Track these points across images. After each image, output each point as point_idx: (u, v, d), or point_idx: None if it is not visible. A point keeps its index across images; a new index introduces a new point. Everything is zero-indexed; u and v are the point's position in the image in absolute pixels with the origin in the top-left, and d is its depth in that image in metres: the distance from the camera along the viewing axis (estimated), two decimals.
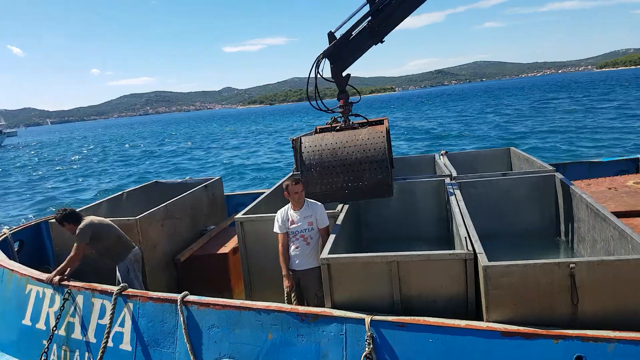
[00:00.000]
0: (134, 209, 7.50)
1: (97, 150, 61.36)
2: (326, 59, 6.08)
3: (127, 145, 64.19)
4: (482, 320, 3.63)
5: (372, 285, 4.00)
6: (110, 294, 4.85)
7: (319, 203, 4.96)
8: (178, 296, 4.53)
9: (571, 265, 3.42)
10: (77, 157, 52.85)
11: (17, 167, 47.09)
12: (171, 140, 66.17)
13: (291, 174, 6.28)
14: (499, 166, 8.33)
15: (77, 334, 5.03)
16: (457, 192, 5.63)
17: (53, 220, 6.36)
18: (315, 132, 6.61)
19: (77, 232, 5.47)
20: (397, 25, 6.09)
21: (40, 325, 5.30)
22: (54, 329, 5.02)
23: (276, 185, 6.94)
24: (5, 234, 7.19)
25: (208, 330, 4.35)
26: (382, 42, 6.16)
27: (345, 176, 5.37)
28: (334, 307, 4.05)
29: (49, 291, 5.32)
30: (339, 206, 5.49)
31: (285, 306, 4.15)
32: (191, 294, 6.58)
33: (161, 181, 8.86)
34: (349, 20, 6.07)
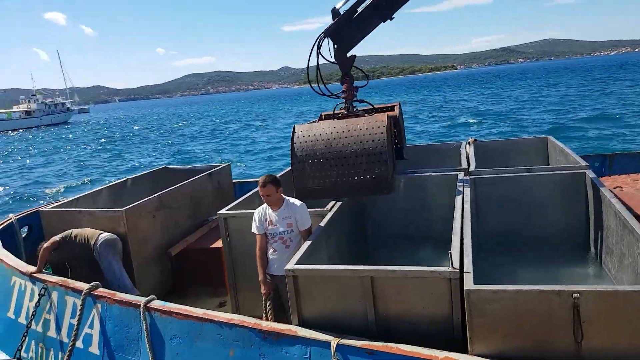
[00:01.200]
0: (137, 197, 7.26)
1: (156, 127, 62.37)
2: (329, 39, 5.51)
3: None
4: (467, 351, 3.05)
5: (344, 302, 3.48)
6: (80, 292, 4.59)
7: (299, 202, 4.44)
8: (142, 301, 4.19)
9: (575, 295, 2.76)
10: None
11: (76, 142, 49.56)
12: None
13: None
14: (534, 158, 7.47)
15: (52, 332, 4.82)
16: (468, 190, 4.95)
17: (44, 210, 6.23)
18: (320, 120, 6.09)
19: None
20: (406, 1, 5.41)
21: (22, 319, 5.15)
22: (29, 325, 4.83)
23: (281, 173, 6.48)
24: (11, 219, 7.15)
25: (170, 340, 3.98)
26: (391, 19, 5.51)
27: (340, 170, 4.81)
28: (301, 324, 3.57)
29: (29, 285, 5.15)
30: (330, 203, 4.96)
31: (249, 320, 3.70)
32: (185, 290, 6.32)
33: (170, 167, 8.60)
34: None
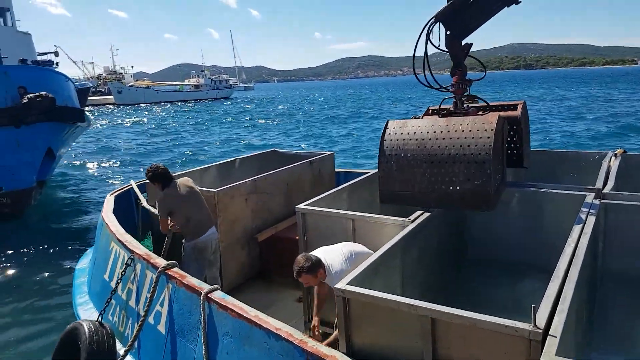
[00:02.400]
0: (243, 176, 7.33)
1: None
2: (440, 24, 4.82)
3: None
4: None
5: (399, 339, 2.98)
6: (157, 268, 4.66)
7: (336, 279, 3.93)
8: (205, 289, 4.09)
9: None
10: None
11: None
12: None
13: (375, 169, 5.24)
14: None
15: (132, 302, 5.02)
16: (592, 218, 3.99)
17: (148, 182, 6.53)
18: (425, 114, 5.45)
19: (157, 204, 5.57)
20: None
21: (113, 283, 5.46)
22: (114, 290, 5.08)
23: (370, 173, 6.02)
24: (131, 185, 7.73)
25: (223, 337, 3.82)
26: (517, 2, 4.64)
27: (432, 176, 4.19)
28: (350, 352, 3.14)
29: (122, 252, 5.42)
30: (416, 213, 4.36)
31: (296, 335, 3.36)
32: (271, 277, 6.22)
33: (278, 150, 8.57)
34: None
